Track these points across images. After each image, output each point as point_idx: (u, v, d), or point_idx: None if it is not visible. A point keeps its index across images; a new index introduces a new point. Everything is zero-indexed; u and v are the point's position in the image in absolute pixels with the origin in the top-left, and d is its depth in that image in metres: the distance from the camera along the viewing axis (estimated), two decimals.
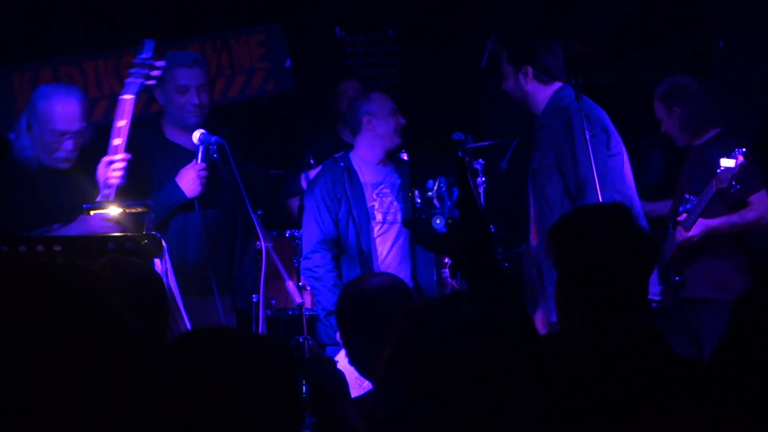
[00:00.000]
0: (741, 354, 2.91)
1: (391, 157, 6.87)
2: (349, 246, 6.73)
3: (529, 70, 6.26)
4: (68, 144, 5.79)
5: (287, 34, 9.28)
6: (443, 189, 2.69)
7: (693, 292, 6.48)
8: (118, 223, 5.43)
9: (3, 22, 8.19)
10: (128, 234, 5.15)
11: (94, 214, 5.43)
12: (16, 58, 8.64)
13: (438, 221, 2.69)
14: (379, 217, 6.78)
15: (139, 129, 6.13)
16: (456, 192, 2.68)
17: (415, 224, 2.74)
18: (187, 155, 6.29)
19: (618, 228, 3.23)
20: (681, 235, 6.36)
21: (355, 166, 6.81)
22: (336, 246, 6.76)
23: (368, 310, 3.97)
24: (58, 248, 4.88)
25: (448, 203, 2.69)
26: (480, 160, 7.82)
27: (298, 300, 6.19)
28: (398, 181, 6.83)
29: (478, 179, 7.75)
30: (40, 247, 4.87)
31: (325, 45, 9.47)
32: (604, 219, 3.30)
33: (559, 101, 6.19)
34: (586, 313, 3.14)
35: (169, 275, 5.14)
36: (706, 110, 6.60)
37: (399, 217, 6.77)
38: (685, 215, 6.37)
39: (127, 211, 5.46)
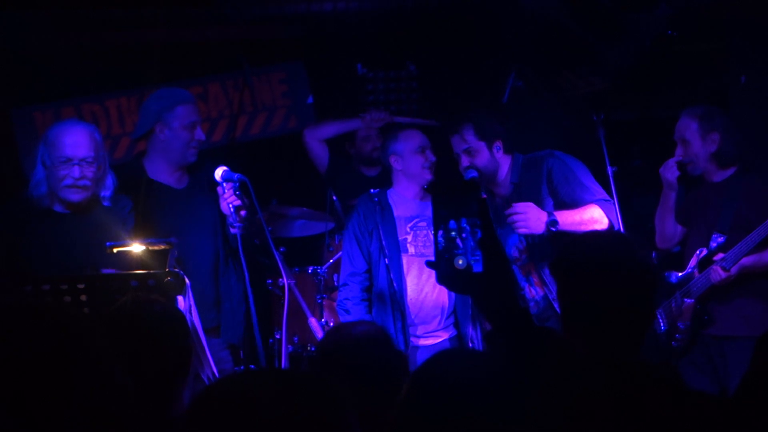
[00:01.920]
0: (765, 391, 2.91)
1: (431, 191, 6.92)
2: (379, 279, 6.74)
3: (500, 143, 6.54)
4: (75, 171, 5.76)
5: (308, 72, 9.33)
6: (466, 229, 2.73)
7: (721, 330, 6.41)
8: (141, 261, 5.45)
9: (25, 61, 8.25)
10: (151, 271, 5.15)
11: (117, 251, 5.45)
12: (38, 97, 8.71)
13: (461, 261, 2.72)
14: (411, 250, 6.79)
15: (119, 169, 6.12)
16: (479, 233, 2.72)
17: (438, 265, 2.77)
18: (170, 193, 6.30)
19: (618, 259, 3.24)
20: (719, 275, 6.32)
21: (390, 201, 6.86)
22: (367, 279, 6.78)
23: (350, 360, 3.97)
24: (81, 286, 4.90)
25: (471, 243, 2.72)
26: None
27: (320, 336, 6.20)
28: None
29: None
30: (64, 286, 4.90)
31: (347, 81, 9.50)
32: (605, 250, 3.31)
33: (526, 162, 6.55)
34: (591, 346, 3.15)
35: (192, 312, 5.16)
36: (739, 144, 6.59)
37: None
38: (721, 254, 6.33)
39: (150, 248, 5.47)
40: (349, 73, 9.52)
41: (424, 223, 6.84)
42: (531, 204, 6.17)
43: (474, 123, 6.54)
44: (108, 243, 5.40)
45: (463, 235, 2.72)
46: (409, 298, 6.72)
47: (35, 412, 2.01)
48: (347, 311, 6.70)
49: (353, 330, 4.25)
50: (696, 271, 6.43)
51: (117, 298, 4.24)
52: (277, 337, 6.83)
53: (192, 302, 5.21)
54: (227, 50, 8.96)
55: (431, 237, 6.73)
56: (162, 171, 6.36)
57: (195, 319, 5.17)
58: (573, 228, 6.11)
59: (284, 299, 6.40)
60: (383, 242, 6.72)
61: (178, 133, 6.29)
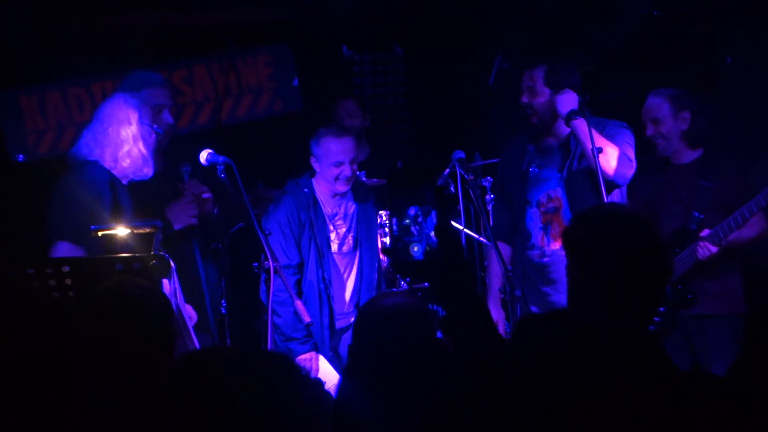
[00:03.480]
0: (761, 369, 2.92)
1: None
2: (308, 273, 6.78)
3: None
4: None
5: (294, 54, 9.30)
6: (420, 217, 2.72)
7: (704, 309, 6.50)
8: (126, 244, 5.42)
9: (10, 45, 8.21)
10: (136, 255, 5.13)
11: (102, 235, 5.43)
12: (23, 80, 8.67)
13: (416, 249, 2.72)
14: (334, 247, 6.91)
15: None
16: (432, 220, 2.72)
17: (393, 252, 2.77)
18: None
19: (637, 237, 3.22)
20: (708, 250, 6.36)
21: (318, 194, 6.91)
22: (299, 272, 6.80)
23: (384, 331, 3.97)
24: (66, 269, 4.88)
25: (426, 231, 2.72)
26: (488, 177, 7.83)
27: (307, 320, 6.18)
28: (353, 208, 6.91)
29: (487, 196, 7.75)
30: (48, 269, 4.87)
31: (333, 64, 9.48)
32: (622, 227, 3.30)
33: (598, 124, 6.39)
34: (600, 322, 3.14)
35: (177, 295, 5.15)
36: (708, 124, 6.66)
37: (352, 246, 6.87)
38: (707, 231, 6.38)
39: (135, 231, 5.45)
40: (335, 55, 9.50)
41: (341, 221, 6.92)
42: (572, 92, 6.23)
43: (548, 65, 6.47)
44: (92, 226, 5.37)
45: (418, 222, 2.72)
46: (335, 292, 6.88)
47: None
48: (281, 303, 6.71)
49: (385, 301, 4.25)
50: (677, 251, 6.48)
51: (102, 282, 4.24)
52: (264, 318, 6.79)
53: (177, 285, 5.20)
54: (213, 33, 8.93)
55: (350, 234, 6.80)
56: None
57: (180, 302, 5.16)
58: (584, 138, 6.12)
59: (270, 282, 6.39)
60: (317, 239, 6.75)
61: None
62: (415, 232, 2.72)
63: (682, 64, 8.09)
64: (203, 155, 6.08)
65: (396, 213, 2.77)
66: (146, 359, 3.76)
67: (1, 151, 8.49)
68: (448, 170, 7.42)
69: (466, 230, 7.44)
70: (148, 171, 5.97)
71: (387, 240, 6.88)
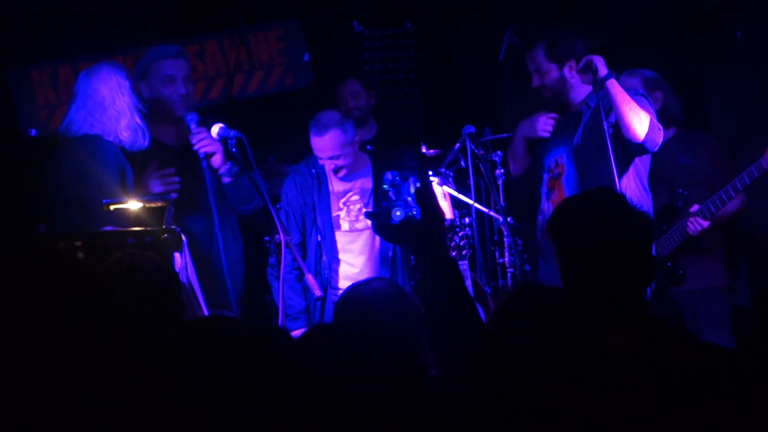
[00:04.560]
0: None
1: (363, 161, 6.89)
2: (309, 254, 6.79)
3: (573, 63, 6.36)
4: None
5: (305, 29, 9.31)
6: (398, 181, 2.79)
7: (692, 284, 6.60)
8: (138, 218, 5.45)
9: (21, 21, 8.23)
10: (148, 229, 5.15)
11: (114, 209, 5.46)
12: (35, 56, 8.69)
13: (398, 213, 2.79)
14: (345, 226, 6.83)
15: None
16: (409, 184, 2.78)
17: (375, 216, 2.86)
18: (167, 151, 6.31)
19: (612, 212, 3.26)
20: (700, 225, 6.42)
21: (327, 172, 6.84)
22: (300, 250, 6.79)
23: (367, 315, 3.98)
24: (78, 243, 4.92)
25: (404, 195, 2.79)
26: (498, 152, 7.84)
27: (318, 293, 6.21)
28: (369, 183, 6.86)
29: (497, 171, 7.77)
30: (61, 244, 4.91)
31: (343, 39, 9.48)
32: (596, 203, 3.33)
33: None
34: (597, 304, 3.16)
35: (189, 269, 5.18)
36: (679, 104, 6.85)
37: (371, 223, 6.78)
38: (696, 206, 6.44)
39: (147, 205, 5.47)
40: (345, 30, 9.50)
41: (356, 197, 6.84)
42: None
43: (546, 42, 6.41)
44: (104, 200, 5.40)
45: (399, 186, 2.78)
46: (342, 275, 6.80)
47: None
48: (277, 279, 6.72)
49: (369, 286, 4.27)
50: (663, 228, 6.54)
51: (114, 255, 4.27)
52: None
53: (189, 259, 5.23)
54: (224, 8, 8.93)
55: (356, 210, 6.77)
56: (158, 129, 6.32)
57: (191, 275, 5.19)
58: (618, 98, 6.01)
59: (281, 255, 6.42)
60: (318, 220, 6.74)
61: (157, 88, 6.32)
62: (393, 197, 2.78)
63: (691, 40, 8.09)
64: (215, 129, 6.10)
65: (378, 177, 2.83)
66: (156, 333, 3.80)
67: (14, 125, 8.52)
68: (458, 145, 7.45)
69: (476, 204, 7.47)
70: (144, 141, 6.01)
71: None
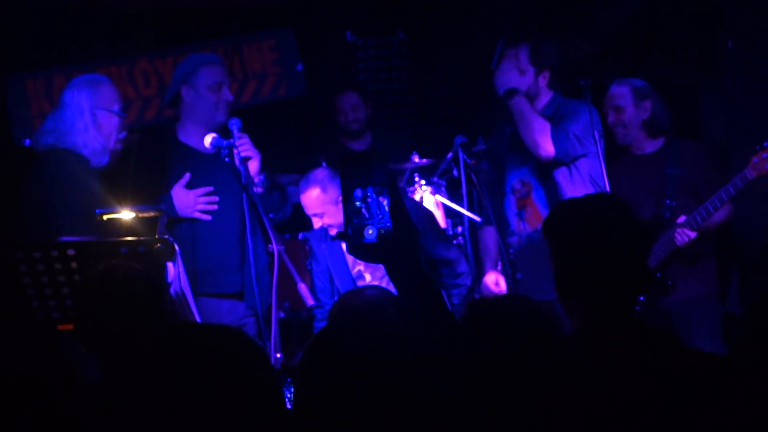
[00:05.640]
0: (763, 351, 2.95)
1: None
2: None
3: (548, 74, 6.45)
4: None
5: (299, 39, 9.33)
6: (373, 198, 2.74)
7: (682, 294, 6.59)
8: (131, 228, 5.44)
9: (16, 29, 8.24)
10: (141, 238, 5.15)
11: (107, 218, 5.46)
12: (29, 64, 8.71)
13: (370, 231, 2.73)
14: (368, 277, 6.82)
15: (152, 132, 6.14)
16: (383, 202, 2.74)
17: (347, 235, 2.76)
18: (198, 157, 6.27)
19: (610, 216, 3.27)
20: (687, 236, 6.43)
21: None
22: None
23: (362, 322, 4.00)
24: (71, 252, 4.92)
25: (377, 213, 2.74)
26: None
27: (310, 302, 6.23)
28: None
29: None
30: (54, 252, 4.91)
31: (337, 49, 9.50)
32: (596, 208, 3.33)
33: (563, 102, 6.47)
34: (589, 310, 3.18)
35: (181, 278, 5.18)
36: (668, 115, 6.80)
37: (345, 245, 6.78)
38: (683, 217, 6.45)
39: (140, 215, 5.47)
40: (339, 41, 9.52)
41: None
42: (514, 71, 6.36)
43: (531, 46, 6.47)
44: (98, 210, 5.40)
45: (370, 204, 2.73)
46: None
47: None
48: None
49: (363, 294, 4.27)
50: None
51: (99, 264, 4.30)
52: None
53: (182, 268, 5.23)
54: (217, 17, 8.95)
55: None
56: (192, 134, 6.32)
57: (184, 284, 5.19)
58: (520, 109, 6.31)
59: (274, 265, 6.43)
60: (335, 283, 6.77)
61: (203, 94, 6.29)
62: (366, 214, 2.73)
63: (683, 47, 8.11)
64: (207, 139, 6.08)
65: (348, 195, 2.75)
66: (137, 338, 3.85)
67: (8, 135, 8.53)
68: (450, 154, 7.47)
69: (469, 214, 7.48)
70: (103, 159, 5.99)
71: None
